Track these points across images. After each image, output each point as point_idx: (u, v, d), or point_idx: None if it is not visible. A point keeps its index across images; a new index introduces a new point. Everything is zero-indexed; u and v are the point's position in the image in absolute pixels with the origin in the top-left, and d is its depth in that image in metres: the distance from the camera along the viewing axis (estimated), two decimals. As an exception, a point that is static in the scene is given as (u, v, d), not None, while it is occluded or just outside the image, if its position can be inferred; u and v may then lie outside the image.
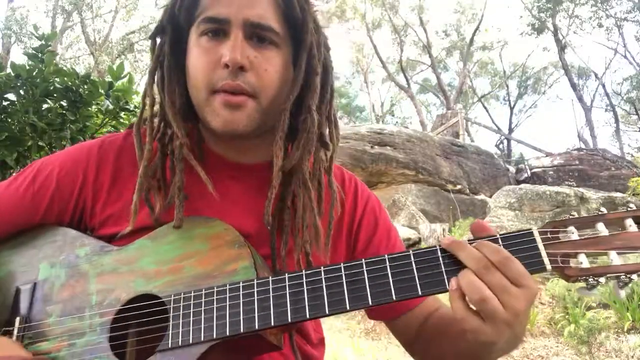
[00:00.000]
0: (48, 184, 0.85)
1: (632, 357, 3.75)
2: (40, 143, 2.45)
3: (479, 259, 0.62)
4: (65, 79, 2.49)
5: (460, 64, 23.81)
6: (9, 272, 0.84)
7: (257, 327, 0.67)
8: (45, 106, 2.48)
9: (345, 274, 0.68)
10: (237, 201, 0.86)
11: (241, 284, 0.70)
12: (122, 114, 2.67)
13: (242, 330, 0.67)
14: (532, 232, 0.66)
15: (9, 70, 2.37)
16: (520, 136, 26.71)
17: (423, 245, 6.32)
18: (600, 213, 0.66)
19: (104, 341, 0.73)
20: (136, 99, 2.68)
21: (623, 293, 0.63)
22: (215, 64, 0.77)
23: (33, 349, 0.75)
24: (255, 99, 0.78)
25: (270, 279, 0.70)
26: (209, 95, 0.78)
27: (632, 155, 16.25)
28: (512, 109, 24.45)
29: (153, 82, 0.84)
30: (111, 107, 2.60)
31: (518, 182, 10.49)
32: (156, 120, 0.84)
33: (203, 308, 0.70)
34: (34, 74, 2.38)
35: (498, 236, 0.66)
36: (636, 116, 20.92)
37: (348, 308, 0.66)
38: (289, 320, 0.67)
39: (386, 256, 0.68)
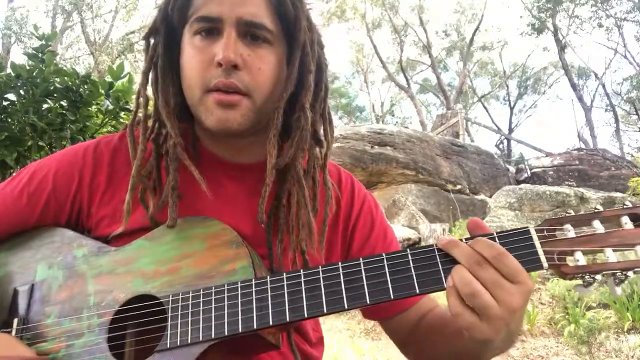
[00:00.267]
0: (44, 185, 0.85)
1: (632, 357, 3.75)
2: (40, 143, 2.45)
3: (471, 254, 0.63)
4: (66, 78, 2.49)
5: (460, 64, 23.82)
6: (7, 274, 0.84)
7: (255, 326, 0.67)
8: (45, 106, 2.48)
9: (343, 273, 0.68)
10: (233, 201, 0.86)
11: (239, 284, 0.70)
12: (122, 114, 2.67)
13: (240, 330, 0.67)
14: (528, 230, 0.66)
15: (9, 70, 2.38)
16: (520, 136, 26.76)
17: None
18: (596, 210, 0.66)
19: (103, 342, 0.73)
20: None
21: (619, 290, 0.63)
22: (209, 63, 0.77)
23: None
24: (249, 97, 0.78)
25: (269, 278, 0.70)
26: (202, 95, 0.78)
27: (632, 155, 16.25)
28: (512, 109, 24.47)
29: (147, 82, 0.84)
30: (111, 107, 2.60)
31: (518, 182, 10.49)
32: (150, 120, 0.84)
33: (201, 308, 0.70)
34: (34, 74, 2.38)
35: (495, 234, 0.66)
36: (636, 116, 20.92)
37: (346, 307, 0.66)
38: (287, 319, 0.67)
39: (384, 255, 0.68)
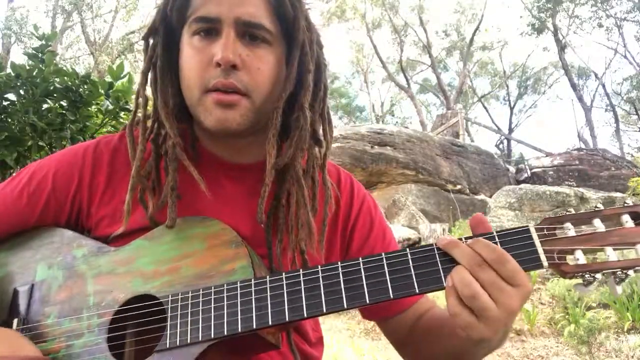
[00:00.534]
0: (44, 185, 0.85)
1: (632, 357, 3.75)
2: (40, 143, 2.45)
3: (472, 256, 0.63)
4: (66, 79, 2.49)
5: (460, 64, 23.82)
6: (7, 274, 0.84)
7: (255, 326, 0.67)
8: (45, 106, 2.48)
9: (342, 273, 0.68)
10: (232, 201, 0.86)
11: (239, 284, 0.70)
12: (122, 114, 2.67)
13: (239, 330, 0.67)
14: (528, 228, 0.66)
15: (9, 70, 2.38)
16: (520, 136, 26.76)
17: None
18: (596, 209, 0.66)
19: (102, 342, 0.73)
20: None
21: (620, 289, 0.63)
22: (208, 63, 0.77)
23: None
24: (248, 97, 0.78)
25: (268, 278, 0.70)
26: (201, 95, 0.78)
27: (632, 155, 16.24)
28: (512, 109, 24.47)
29: (146, 82, 0.84)
30: (111, 107, 2.60)
31: (518, 182, 10.48)
32: (150, 121, 0.84)
33: (201, 308, 0.70)
34: (34, 74, 2.38)
35: (495, 233, 0.66)
36: (636, 116, 20.92)
37: (345, 307, 0.66)
38: (287, 319, 0.67)
39: (383, 254, 0.68)
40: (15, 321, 0.78)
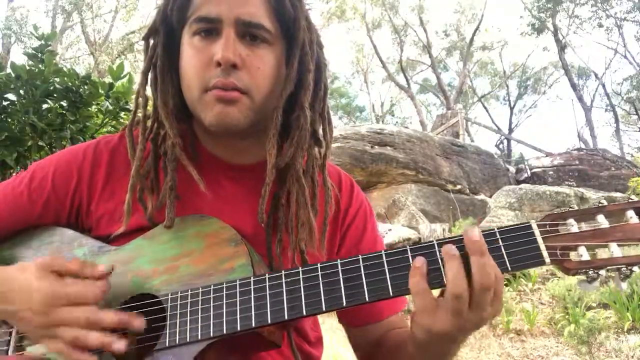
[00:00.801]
0: (44, 183, 0.85)
1: (632, 357, 3.75)
2: (40, 143, 2.45)
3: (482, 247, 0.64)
4: (66, 79, 2.49)
5: (460, 64, 23.83)
6: None
7: (254, 324, 0.67)
8: (45, 106, 2.47)
9: (341, 270, 0.68)
10: (232, 201, 0.86)
11: (238, 282, 0.70)
12: (122, 114, 2.67)
13: (239, 329, 0.67)
14: (530, 225, 0.65)
15: (9, 70, 2.37)
16: (520, 136, 26.72)
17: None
18: (600, 205, 0.65)
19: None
20: (136, 100, 2.67)
21: (625, 285, 0.62)
22: (208, 63, 0.77)
23: (32, 349, 0.75)
24: (248, 95, 0.78)
25: (267, 276, 0.70)
26: (202, 94, 0.78)
27: (632, 155, 16.23)
28: (512, 109, 24.47)
29: (146, 82, 0.84)
30: (111, 107, 2.60)
31: (518, 182, 10.48)
32: (150, 120, 0.84)
33: (200, 306, 0.70)
34: (34, 74, 2.38)
35: (496, 230, 0.66)
36: (636, 116, 20.92)
37: (344, 305, 0.66)
38: (286, 317, 0.67)
39: (383, 252, 0.68)
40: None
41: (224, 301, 0.69)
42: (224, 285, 0.70)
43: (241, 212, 0.84)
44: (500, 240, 0.65)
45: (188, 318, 0.70)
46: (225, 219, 0.78)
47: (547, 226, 0.65)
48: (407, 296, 0.68)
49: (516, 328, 4.52)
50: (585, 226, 0.65)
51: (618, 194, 7.68)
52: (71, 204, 0.86)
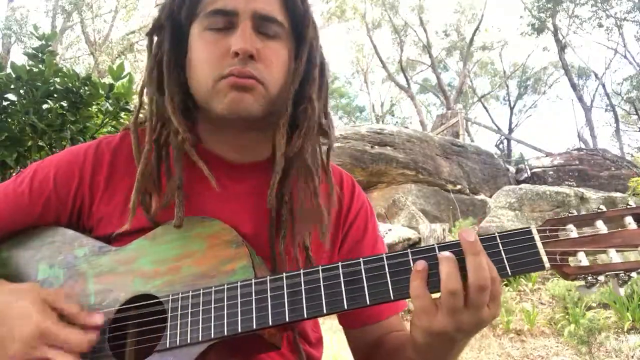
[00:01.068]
0: (45, 183, 0.85)
1: (632, 357, 3.75)
2: (40, 143, 2.44)
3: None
4: (66, 79, 2.49)
5: (460, 64, 23.81)
6: (8, 273, 0.84)
7: (255, 326, 0.67)
8: (45, 107, 2.47)
9: (343, 273, 0.68)
10: (234, 201, 0.86)
11: (239, 284, 0.70)
12: (122, 114, 2.66)
13: (239, 330, 0.67)
14: (530, 230, 0.66)
15: (9, 70, 2.37)
16: (520, 136, 26.69)
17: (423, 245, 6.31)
18: (599, 210, 0.66)
19: (103, 341, 0.73)
20: (136, 100, 2.67)
21: (622, 291, 0.63)
22: (223, 54, 0.78)
23: None
24: (263, 86, 0.79)
25: (268, 278, 0.70)
26: (215, 82, 0.78)
27: (632, 155, 16.22)
28: (512, 109, 24.46)
29: (151, 80, 0.84)
30: (111, 108, 2.59)
31: (518, 182, 10.48)
32: (153, 120, 0.84)
33: (201, 308, 0.70)
34: (35, 75, 2.38)
35: (497, 234, 0.66)
36: (636, 116, 20.91)
37: (346, 307, 0.66)
38: (287, 319, 0.67)
39: (384, 255, 0.68)
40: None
41: (225, 303, 0.69)
42: (225, 287, 0.70)
43: (242, 212, 0.84)
44: (500, 244, 0.65)
45: (189, 319, 0.70)
46: (225, 219, 0.78)
47: (547, 231, 0.65)
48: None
49: (516, 328, 4.53)
50: (584, 232, 0.65)
51: (618, 194, 7.67)
52: (73, 205, 0.86)
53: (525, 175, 11.38)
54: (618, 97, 21.56)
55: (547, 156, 12.86)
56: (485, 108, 25.84)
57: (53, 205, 0.85)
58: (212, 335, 0.68)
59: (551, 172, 11.28)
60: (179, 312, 0.71)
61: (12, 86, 2.36)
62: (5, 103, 2.40)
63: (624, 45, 19.85)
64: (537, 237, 0.65)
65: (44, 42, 2.52)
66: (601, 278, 0.62)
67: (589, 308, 4.51)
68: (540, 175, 11.21)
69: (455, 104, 20.45)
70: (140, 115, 0.86)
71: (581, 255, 0.64)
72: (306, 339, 0.91)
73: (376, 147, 8.99)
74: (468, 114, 22.40)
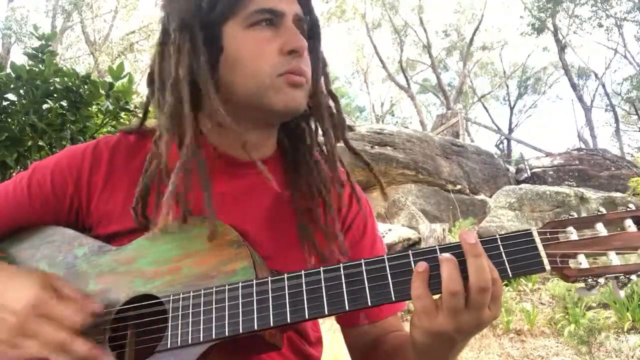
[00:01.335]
0: (43, 183, 0.85)
1: (632, 357, 3.75)
2: (40, 143, 2.45)
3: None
4: (66, 79, 2.49)
5: (460, 64, 23.82)
6: None
7: (256, 327, 0.67)
8: (45, 106, 2.47)
9: (344, 274, 0.68)
10: (234, 200, 0.86)
11: (240, 285, 0.70)
12: (122, 114, 2.67)
13: (240, 331, 0.67)
14: (531, 232, 0.66)
15: (9, 70, 2.37)
16: (520, 136, 26.71)
17: (423, 245, 6.32)
18: (599, 213, 0.66)
19: (104, 341, 0.73)
20: (136, 99, 2.68)
21: (622, 293, 0.63)
22: (277, 52, 0.80)
23: None
24: (307, 83, 0.84)
25: (269, 279, 0.70)
26: (272, 79, 0.80)
27: (632, 155, 16.24)
28: (512, 109, 24.48)
29: (180, 80, 0.79)
30: (111, 107, 2.59)
31: (518, 182, 10.48)
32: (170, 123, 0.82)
33: (202, 308, 0.70)
34: (35, 75, 2.38)
35: (497, 236, 0.66)
36: (636, 116, 20.92)
37: (347, 309, 0.66)
38: (288, 320, 0.67)
39: (385, 257, 0.68)
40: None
41: (226, 303, 0.69)
42: (226, 288, 0.70)
43: (243, 211, 0.85)
44: (501, 246, 0.65)
45: (190, 320, 0.70)
46: (226, 219, 0.78)
47: (548, 234, 0.65)
48: (407, 299, 0.68)
49: (516, 328, 4.53)
50: (584, 234, 0.65)
51: (618, 194, 7.68)
52: (70, 205, 0.86)
53: (525, 175, 11.39)
54: (618, 97, 21.58)
55: (547, 156, 12.87)
56: (485, 108, 25.87)
57: (51, 204, 0.85)
58: (213, 336, 0.68)
59: (551, 172, 11.29)
60: (180, 313, 0.71)
61: (12, 86, 2.36)
62: (5, 103, 2.40)
63: (624, 45, 19.88)
64: (537, 239, 0.65)
65: (44, 42, 2.52)
66: (601, 280, 0.62)
67: (589, 308, 4.51)
68: (540, 175, 11.22)
69: (455, 104, 20.45)
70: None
71: (581, 258, 0.64)
72: (306, 338, 0.91)
73: (376, 147, 8.99)
74: (468, 114, 22.40)
